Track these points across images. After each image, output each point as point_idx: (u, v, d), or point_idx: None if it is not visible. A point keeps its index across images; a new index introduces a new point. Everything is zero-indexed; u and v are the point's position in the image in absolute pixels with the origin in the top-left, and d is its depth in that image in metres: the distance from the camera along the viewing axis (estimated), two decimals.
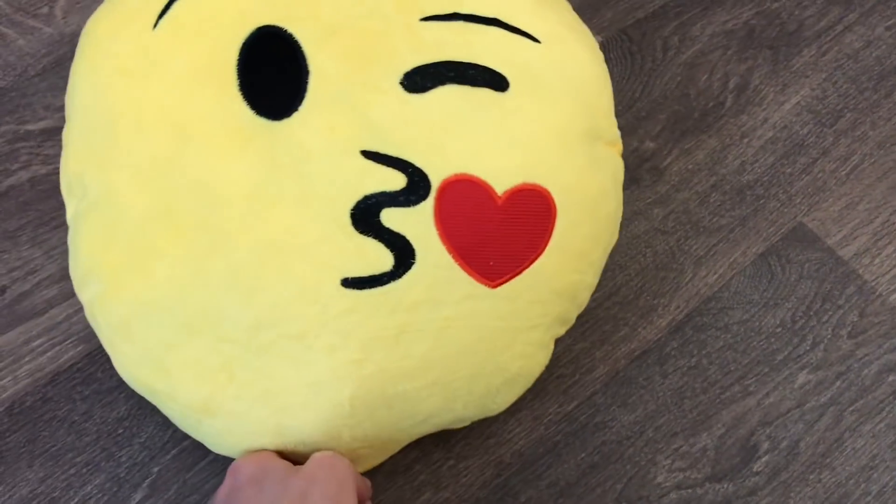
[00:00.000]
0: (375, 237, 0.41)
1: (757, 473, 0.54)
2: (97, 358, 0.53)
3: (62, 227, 0.57)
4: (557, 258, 0.44)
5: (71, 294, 0.55)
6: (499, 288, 0.43)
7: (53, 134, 0.61)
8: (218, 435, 0.44)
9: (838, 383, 0.57)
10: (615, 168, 0.49)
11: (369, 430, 0.43)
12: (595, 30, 0.71)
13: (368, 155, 0.41)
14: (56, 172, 0.59)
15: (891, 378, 0.58)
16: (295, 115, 0.42)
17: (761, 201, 0.64)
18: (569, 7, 0.51)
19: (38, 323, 0.54)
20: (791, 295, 0.60)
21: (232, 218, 0.41)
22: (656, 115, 0.67)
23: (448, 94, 0.43)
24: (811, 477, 0.54)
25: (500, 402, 0.47)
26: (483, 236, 0.42)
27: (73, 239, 0.44)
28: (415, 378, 0.43)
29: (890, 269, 0.62)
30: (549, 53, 0.47)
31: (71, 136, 0.44)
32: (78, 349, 0.53)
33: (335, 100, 0.42)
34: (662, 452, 0.54)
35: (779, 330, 0.59)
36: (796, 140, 0.68)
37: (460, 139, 0.43)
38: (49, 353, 0.53)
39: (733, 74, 0.70)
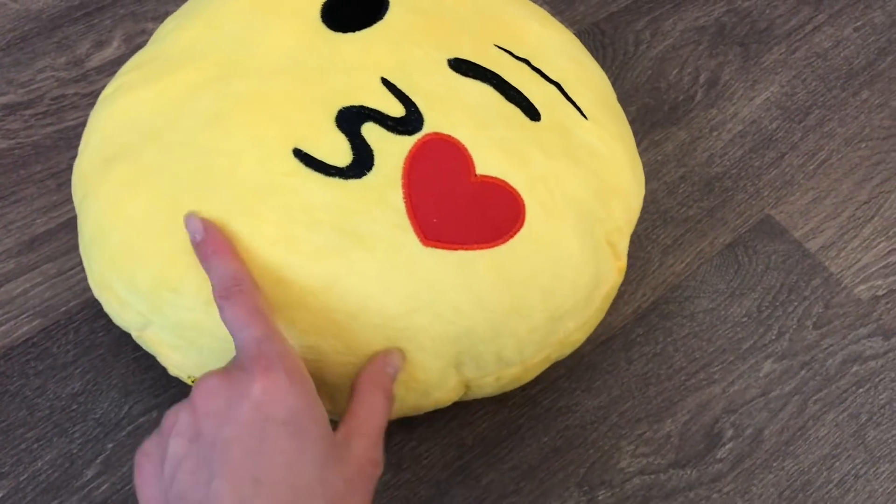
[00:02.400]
0: (347, 137, 0.43)
1: (720, 460, 0.54)
2: (53, 333, 0.52)
3: (21, 201, 0.56)
4: (496, 267, 0.42)
5: (28, 269, 0.54)
6: (427, 248, 0.41)
7: (16, 109, 0.60)
8: (108, 251, 0.43)
9: (803, 373, 0.57)
10: (605, 266, 0.47)
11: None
12: (568, 23, 0.72)
13: (386, 83, 0.45)
14: (18, 147, 0.58)
15: (854, 368, 0.58)
16: (349, 34, 0.46)
17: (729, 193, 0.64)
18: (627, 125, 0.53)
19: None
20: (757, 285, 0.61)
21: (247, 67, 0.45)
22: (627, 107, 0.67)
23: (482, 89, 0.46)
24: (774, 464, 0.54)
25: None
26: (441, 197, 0.42)
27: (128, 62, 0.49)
28: (305, 269, 0.41)
29: (855, 262, 0.63)
30: (590, 131, 0.48)
31: (182, 7, 0.52)
32: (33, 324, 0.52)
33: (388, 41, 0.46)
34: (626, 438, 0.54)
35: (744, 319, 0.59)
36: (765, 134, 0.68)
37: (471, 118, 0.44)
38: (3, 328, 0.52)
39: (704, 69, 0.71)
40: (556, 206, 0.44)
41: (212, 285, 0.39)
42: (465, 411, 0.53)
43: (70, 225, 0.56)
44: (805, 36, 0.74)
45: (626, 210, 0.49)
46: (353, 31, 0.47)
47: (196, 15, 0.49)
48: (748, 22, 0.74)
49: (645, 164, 0.64)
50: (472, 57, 0.47)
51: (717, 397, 0.56)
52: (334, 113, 0.43)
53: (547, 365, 0.48)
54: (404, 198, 0.42)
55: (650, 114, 0.67)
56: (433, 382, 0.44)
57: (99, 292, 0.45)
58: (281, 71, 0.45)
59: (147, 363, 0.52)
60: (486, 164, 0.43)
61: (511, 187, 0.43)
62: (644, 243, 0.61)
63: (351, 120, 0.43)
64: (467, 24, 0.49)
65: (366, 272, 0.41)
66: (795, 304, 0.60)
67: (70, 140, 0.59)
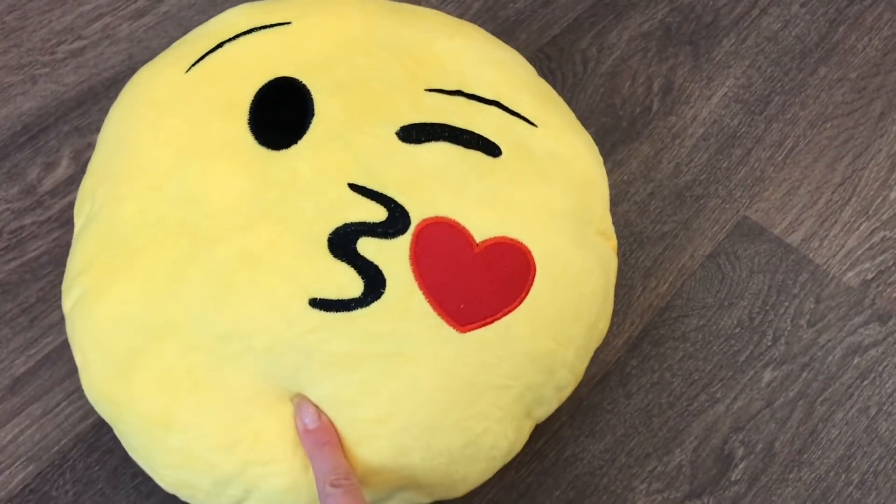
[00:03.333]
0: (349, 263, 0.42)
1: (736, 482, 0.53)
2: (49, 476, 0.52)
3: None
4: (532, 318, 0.43)
5: (14, 413, 0.53)
6: (467, 334, 0.42)
7: None
8: (173, 455, 0.43)
9: (804, 375, 0.57)
10: (605, 258, 0.48)
11: None
12: None
13: (355, 188, 0.43)
14: None
15: (856, 360, 0.57)
16: (293, 148, 0.44)
17: (701, 201, 0.64)
18: (568, 109, 0.53)
19: None
20: (745, 292, 0.60)
21: (216, 229, 0.43)
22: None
23: (440, 149, 0.45)
24: (791, 476, 0.53)
25: (462, 472, 0.44)
26: (456, 279, 0.42)
27: (72, 250, 0.46)
28: (369, 409, 0.42)
29: (839, 249, 0.62)
30: (545, 138, 0.48)
31: (94, 162, 0.48)
32: (28, 469, 0.52)
33: (332, 139, 0.44)
34: (637, 476, 0.53)
35: (737, 330, 0.58)
36: (728, 132, 0.67)
37: (446, 187, 0.44)
38: None
39: (656, 76, 0.70)
40: (552, 232, 0.45)
41: (317, 474, 0.40)
42: None
43: (49, 359, 0.55)
44: (752, 22, 0.73)
45: (601, 196, 0.50)
46: (292, 138, 0.44)
47: (123, 176, 0.46)
48: (693, 18, 0.73)
49: (612, 186, 0.64)
50: (415, 117, 0.46)
51: (722, 417, 0.55)
52: (325, 243, 0.42)
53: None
54: (426, 298, 0.42)
55: (609, 133, 0.66)
56: (514, 441, 0.46)
57: (175, 490, 0.45)
58: (255, 217, 0.43)
59: (147, 489, 0.51)
60: (481, 227, 0.43)
61: (511, 239, 0.44)
62: (624, 270, 0.60)
63: (343, 244, 0.42)
64: (391, 79, 0.47)
65: (423, 381, 0.42)
66: (786, 304, 0.59)
67: (35, 271, 0.58)
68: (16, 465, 0.52)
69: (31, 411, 0.54)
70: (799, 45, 0.72)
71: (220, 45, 0.48)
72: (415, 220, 0.43)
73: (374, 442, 0.42)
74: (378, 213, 0.43)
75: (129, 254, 0.43)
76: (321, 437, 0.41)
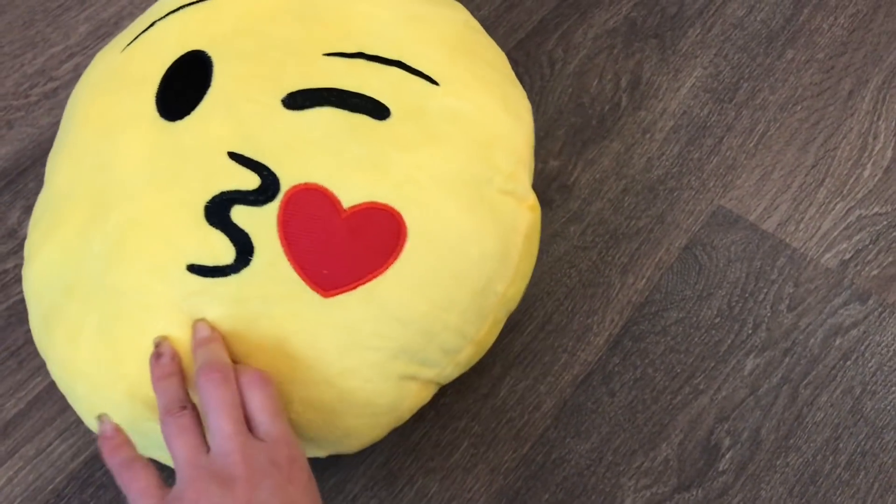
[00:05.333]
0: (223, 230, 0.44)
1: (724, 472, 0.53)
2: None
3: None
4: (400, 282, 0.44)
5: (7, 456, 0.54)
6: (331, 299, 0.43)
7: None
8: (81, 402, 0.48)
9: (787, 360, 0.57)
10: (508, 217, 0.47)
11: None
12: None
13: (233, 156, 0.45)
14: None
15: (837, 342, 0.57)
16: (185, 119, 0.47)
17: (675, 193, 0.64)
18: (494, 64, 0.52)
19: None
20: (723, 281, 0.60)
21: (113, 196, 0.46)
22: (555, 133, 0.67)
23: (322, 115, 0.46)
24: (778, 462, 0.53)
25: (342, 426, 0.46)
26: (322, 245, 0.44)
27: (36, 207, 0.52)
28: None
29: (816, 231, 0.62)
30: (446, 95, 0.48)
31: (57, 135, 0.54)
32: None
33: (219, 107, 0.46)
34: (625, 474, 0.53)
35: (717, 320, 0.58)
36: (698, 123, 0.67)
37: (322, 152, 0.45)
38: None
39: (623, 72, 0.70)
40: (432, 196, 0.45)
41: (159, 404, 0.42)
42: (460, 489, 0.53)
43: (39, 400, 0.56)
44: (717, 9, 0.74)
45: (511, 154, 0.48)
46: (186, 109, 0.47)
47: (60, 151, 0.51)
48: (657, 11, 0.74)
49: (584, 185, 0.64)
50: (303, 83, 0.47)
51: (707, 408, 0.55)
52: (202, 212, 0.44)
53: (499, 327, 0.49)
54: (292, 265, 0.43)
55: (579, 133, 0.67)
56: (394, 399, 0.46)
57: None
58: (143, 186, 0.46)
59: None
60: (351, 192, 0.44)
61: (381, 204, 0.44)
62: (601, 268, 0.60)
63: (218, 212, 0.44)
64: (291, 46, 0.48)
65: (288, 343, 0.44)
66: (765, 290, 0.59)
67: (21, 314, 0.59)
68: None
69: (24, 452, 0.55)
70: (765, 30, 0.72)
71: (152, 25, 0.51)
72: (284, 186, 0.44)
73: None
74: (251, 181, 0.44)
75: (55, 220, 0.48)
76: (163, 371, 0.43)
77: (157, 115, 0.47)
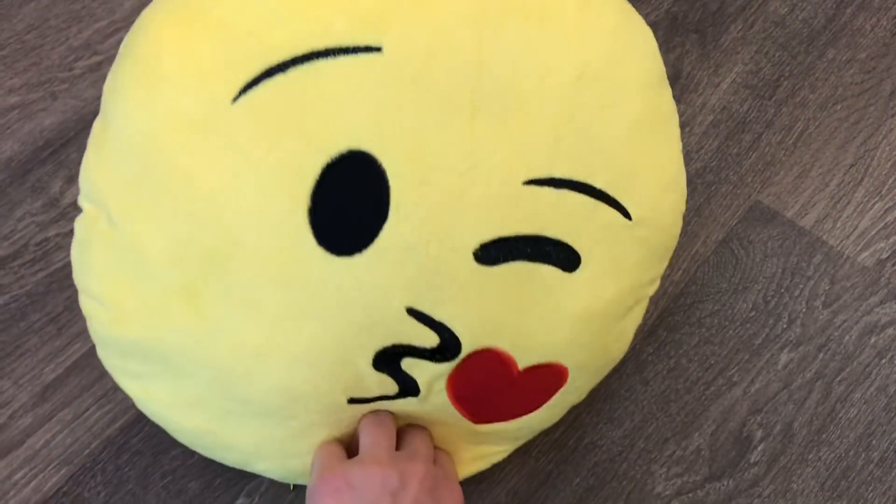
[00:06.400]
0: (389, 375, 0.41)
1: (755, 464, 0.53)
2: (81, 479, 0.53)
3: (26, 354, 0.57)
4: (547, 410, 0.46)
5: (45, 419, 0.55)
6: (480, 426, 0.45)
7: (4, 263, 0.61)
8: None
9: (821, 356, 0.57)
10: (637, 320, 0.47)
11: None
12: None
13: (412, 312, 0.39)
14: (14, 300, 0.60)
15: (872, 340, 0.57)
16: (357, 256, 0.37)
17: (713, 187, 0.64)
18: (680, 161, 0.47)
19: (17, 455, 0.54)
20: (759, 276, 0.60)
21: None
22: None
23: (515, 271, 0.39)
24: (810, 456, 0.53)
25: None
26: (488, 401, 0.44)
27: (82, 242, 0.42)
28: None
29: (853, 230, 0.62)
30: (637, 229, 0.41)
31: (105, 147, 0.39)
32: (61, 473, 0.53)
33: (402, 250, 0.37)
34: (657, 461, 0.53)
35: (752, 314, 0.58)
36: (738, 118, 0.67)
37: (505, 316, 0.40)
38: (32, 484, 0.53)
39: (664, 65, 0.70)
40: (591, 339, 0.44)
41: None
42: (491, 470, 0.53)
43: (77, 366, 0.57)
44: (759, 7, 0.74)
45: (667, 262, 0.46)
46: (355, 244, 0.37)
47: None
48: (699, 6, 0.74)
49: None
50: (501, 228, 0.38)
51: (740, 400, 0.55)
52: (371, 359, 0.40)
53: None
54: (454, 406, 0.44)
55: None
56: None
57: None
58: (302, 323, 0.39)
59: (176, 488, 0.52)
60: (528, 356, 0.42)
61: (553, 364, 0.43)
62: None
63: (388, 361, 0.40)
64: (488, 164, 0.37)
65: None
66: (801, 286, 0.59)
67: (61, 281, 0.60)
68: (49, 468, 0.54)
69: (62, 416, 0.55)
70: (806, 29, 0.72)
71: (283, 66, 0.36)
72: (465, 350, 0.40)
73: None
74: (430, 339, 0.40)
75: (159, 308, 0.40)
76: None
77: (313, 241, 0.37)
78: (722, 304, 0.59)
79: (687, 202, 0.62)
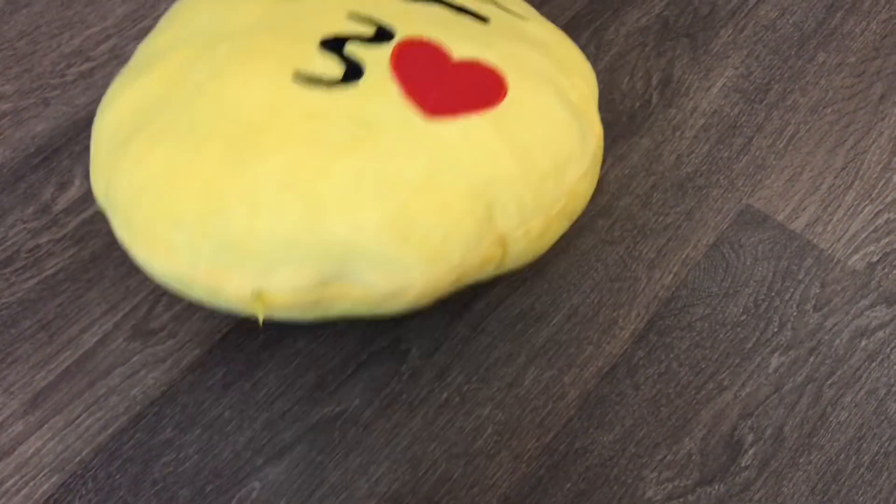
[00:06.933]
0: (335, 55, 0.47)
1: (746, 468, 0.53)
2: (72, 486, 0.53)
3: (17, 361, 0.57)
4: (497, 126, 0.47)
5: (36, 427, 0.55)
6: (433, 122, 0.46)
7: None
8: (153, 191, 0.46)
9: (812, 359, 0.57)
10: (585, 125, 0.51)
11: None
12: None
13: (352, 16, 0.49)
14: (4, 307, 0.60)
15: (863, 343, 0.57)
16: None
17: (703, 191, 0.64)
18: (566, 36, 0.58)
19: (7, 463, 0.54)
20: (749, 279, 0.60)
21: (226, 36, 0.49)
22: None
23: (433, 8, 0.51)
24: (801, 460, 0.54)
25: (413, 256, 0.46)
26: (429, 80, 0.47)
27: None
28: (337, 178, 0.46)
29: (844, 233, 0.62)
30: (534, 28, 0.54)
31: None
32: (52, 480, 0.53)
33: None
34: (648, 466, 0.53)
35: (743, 317, 0.59)
36: (728, 122, 0.68)
37: (432, 25, 0.50)
38: (24, 491, 0.53)
39: (655, 70, 0.70)
40: (530, 73, 0.49)
41: None
42: (483, 475, 0.53)
43: (68, 373, 0.57)
44: (750, 11, 0.74)
45: (587, 83, 0.53)
46: None
47: (166, 24, 0.53)
48: (690, 10, 0.74)
49: (613, 181, 0.64)
50: None
51: (731, 404, 0.55)
52: (317, 43, 0.48)
53: (562, 227, 0.51)
54: (398, 87, 0.47)
55: (609, 129, 0.67)
56: (475, 234, 0.48)
57: (146, 253, 0.47)
58: (259, 30, 0.49)
59: (167, 496, 0.52)
60: (459, 51, 0.48)
61: (487, 62, 0.48)
62: (628, 262, 0.61)
63: (332, 44, 0.48)
64: None
65: (386, 149, 0.45)
66: (791, 290, 0.60)
67: (53, 288, 0.60)
68: (40, 476, 0.54)
69: (53, 423, 0.55)
70: (797, 33, 0.72)
71: None
72: (399, 35, 0.49)
73: (336, 200, 0.45)
74: (368, 32, 0.49)
75: (151, 64, 0.49)
76: None
77: None
78: (713, 307, 0.59)
79: (677, 206, 0.63)
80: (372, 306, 0.48)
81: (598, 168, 0.53)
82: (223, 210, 0.45)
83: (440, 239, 0.46)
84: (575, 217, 0.53)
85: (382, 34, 0.49)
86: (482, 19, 0.52)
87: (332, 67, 0.47)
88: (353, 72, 0.47)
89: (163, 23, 0.55)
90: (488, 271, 0.50)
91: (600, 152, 0.53)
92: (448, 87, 0.48)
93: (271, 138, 0.45)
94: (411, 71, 0.48)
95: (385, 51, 0.48)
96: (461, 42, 0.49)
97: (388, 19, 0.50)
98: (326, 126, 0.46)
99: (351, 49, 0.48)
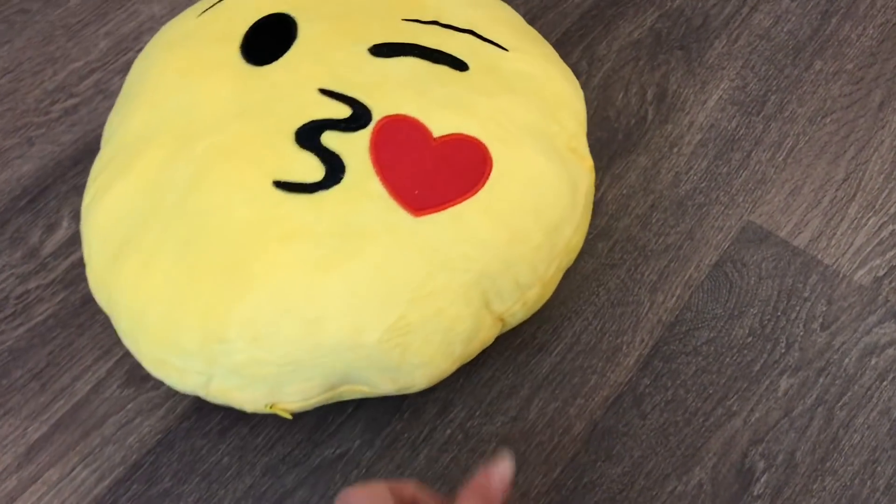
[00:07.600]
0: (313, 152, 0.46)
1: (759, 497, 0.52)
2: None
3: (9, 413, 0.56)
4: (486, 208, 0.46)
5: (30, 481, 0.54)
6: (421, 218, 0.45)
7: None
8: (149, 332, 0.47)
9: (821, 380, 0.56)
10: (574, 169, 0.50)
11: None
12: None
13: (324, 92, 0.48)
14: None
15: (873, 361, 0.56)
16: (274, 63, 0.50)
17: (704, 209, 0.63)
18: (548, 44, 0.57)
19: None
20: (754, 300, 0.59)
21: (200, 129, 0.48)
22: None
23: (408, 62, 0.50)
24: (814, 486, 0.52)
25: (419, 354, 0.46)
26: (413, 169, 0.46)
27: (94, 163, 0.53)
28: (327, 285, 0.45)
29: (848, 247, 0.61)
30: (516, 60, 0.52)
31: (117, 100, 0.55)
32: None
33: (309, 55, 0.50)
34: (658, 499, 0.52)
35: (749, 339, 0.57)
36: (726, 136, 0.66)
37: (409, 91, 0.48)
38: None
39: (649, 84, 0.69)
40: (514, 135, 0.48)
41: None
42: None
43: (62, 423, 0.56)
44: (743, 20, 0.72)
45: (574, 117, 0.52)
46: (274, 57, 0.50)
47: (134, 101, 0.52)
48: (682, 22, 0.73)
49: (611, 202, 0.63)
50: (388, 38, 0.50)
51: (741, 430, 0.54)
52: (292, 136, 0.47)
53: (559, 278, 0.51)
54: (382, 183, 0.45)
55: (606, 147, 0.66)
56: (472, 327, 0.47)
57: (155, 370, 0.49)
58: (232, 118, 0.48)
59: None
60: (440, 125, 0.47)
61: (469, 136, 0.47)
62: (630, 286, 0.59)
63: (309, 137, 0.47)
64: (372, 11, 0.52)
65: (377, 259, 0.44)
66: (797, 308, 0.58)
67: (43, 335, 0.59)
68: None
69: (48, 478, 0.54)
70: (792, 41, 0.71)
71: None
72: (376, 116, 0.47)
73: (330, 322, 0.44)
74: (343, 112, 0.47)
75: (130, 158, 0.49)
76: None
77: (242, 61, 0.50)
78: (718, 330, 0.58)
79: (678, 225, 0.62)
80: (382, 395, 0.49)
81: (590, 207, 0.52)
82: (225, 340, 0.45)
83: (439, 342, 0.46)
84: (570, 265, 0.52)
85: (359, 115, 0.47)
86: (460, 65, 0.50)
87: (311, 168, 0.46)
88: (334, 171, 0.46)
89: (131, 88, 0.54)
90: (489, 343, 0.50)
91: (592, 186, 0.52)
92: (432, 174, 0.46)
93: (262, 261, 0.45)
94: (392, 160, 0.46)
95: (363, 138, 0.46)
96: (440, 111, 0.48)
97: (361, 92, 0.48)
98: (315, 242, 0.45)
99: (328, 139, 0.46)
